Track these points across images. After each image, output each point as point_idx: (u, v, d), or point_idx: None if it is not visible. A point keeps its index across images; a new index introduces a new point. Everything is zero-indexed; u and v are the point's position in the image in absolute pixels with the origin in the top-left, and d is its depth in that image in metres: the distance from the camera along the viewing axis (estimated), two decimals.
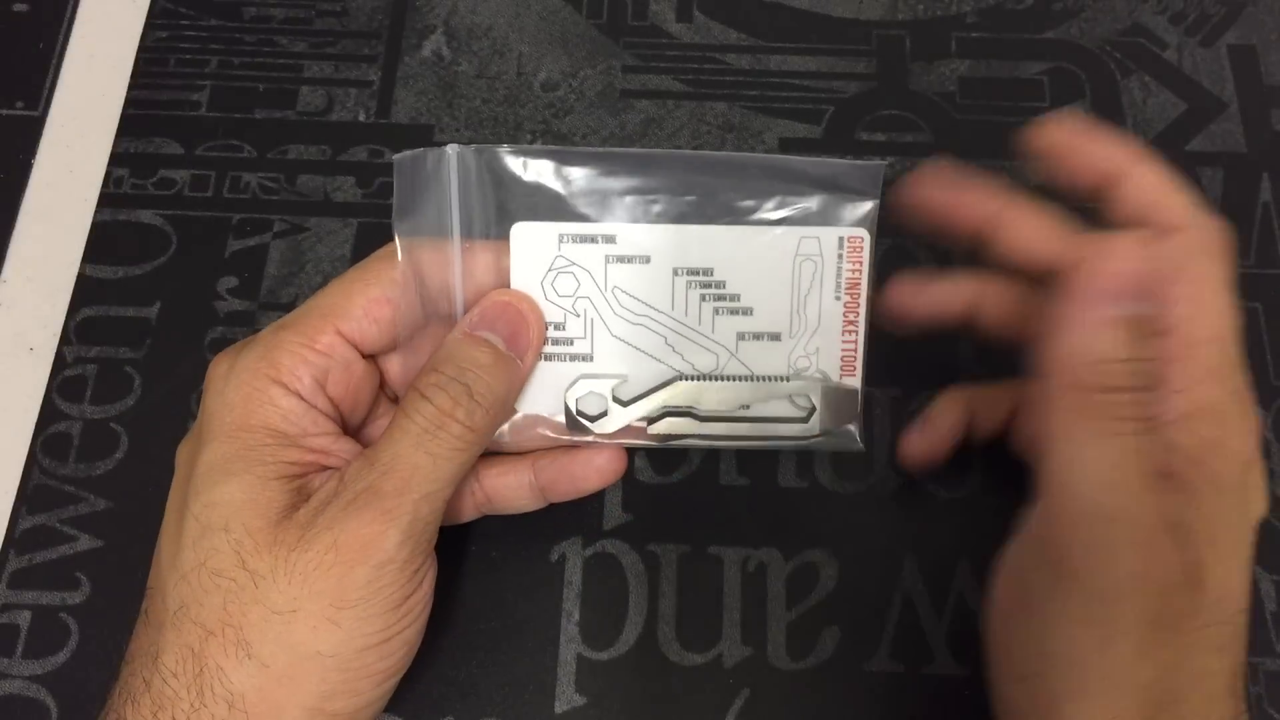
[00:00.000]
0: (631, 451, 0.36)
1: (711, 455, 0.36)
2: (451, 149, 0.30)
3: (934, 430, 0.34)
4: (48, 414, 0.37)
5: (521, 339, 0.30)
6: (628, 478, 0.36)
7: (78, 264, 0.40)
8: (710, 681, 0.33)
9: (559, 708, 0.33)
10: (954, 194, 0.30)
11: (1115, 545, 0.25)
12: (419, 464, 0.28)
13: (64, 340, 0.39)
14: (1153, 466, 0.25)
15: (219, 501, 0.28)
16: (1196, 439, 0.25)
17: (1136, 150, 0.28)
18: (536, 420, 0.32)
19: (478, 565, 0.35)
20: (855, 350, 0.32)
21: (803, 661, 0.34)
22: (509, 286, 0.31)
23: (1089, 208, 0.28)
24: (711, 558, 0.35)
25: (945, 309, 0.32)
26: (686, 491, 0.36)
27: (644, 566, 0.35)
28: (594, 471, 0.32)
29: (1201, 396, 0.26)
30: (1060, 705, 0.26)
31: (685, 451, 0.37)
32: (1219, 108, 0.42)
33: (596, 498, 0.36)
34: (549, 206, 0.31)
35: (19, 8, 0.45)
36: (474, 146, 0.30)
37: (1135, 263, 0.26)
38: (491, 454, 0.32)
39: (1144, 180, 0.28)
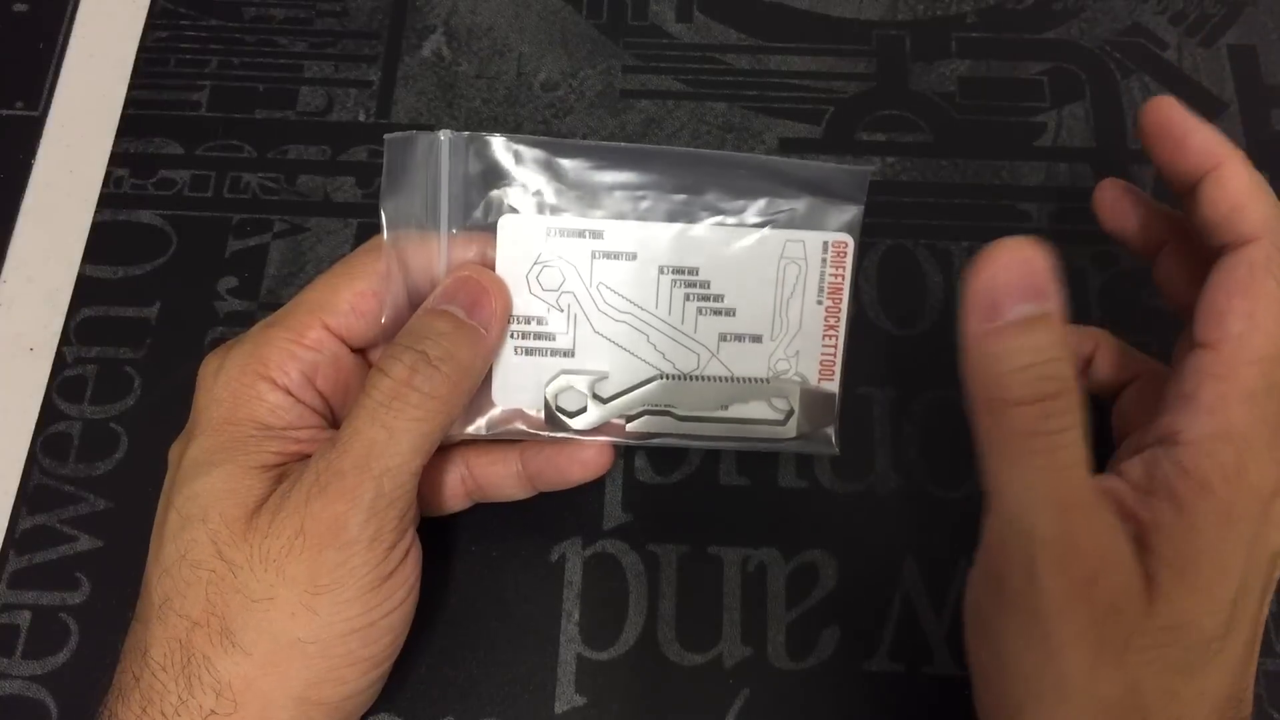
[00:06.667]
0: (631, 451, 0.36)
1: (711, 455, 0.36)
2: (443, 134, 0.30)
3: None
4: (48, 414, 0.37)
5: (483, 308, 0.29)
6: (628, 477, 0.36)
7: (78, 264, 0.40)
8: (710, 681, 0.33)
9: (559, 708, 0.33)
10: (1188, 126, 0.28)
11: (1038, 566, 0.24)
12: (375, 438, 0.27)
13: (64, 340, 0.38)
14: (1085, 483, 0.24)
15: (199, 493, 0.28)
16: (1213, 463, 0.24)
17: (1233, 149, 0.27)
18: (515, 414, 0.32)
19: (478, 565, 0.35)
20: (835, 355, 0.32)
21: (802, 662, 0.34)
22: None
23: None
24: (711, 558, 0.35)
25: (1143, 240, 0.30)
26: (686, 491, 0.36)
27: (644, 566, 0.35)
28: (579, 464, 0.32)
29: (1230, 420, 0.24)
30: (1022, 713, 0.25)
31: (685, 451, 0.37)
32: (1219, 108, 0.42)
33: (596, 498, 0.36)
34: (537, 199, 0.31)
35: (19, 8, 0.45)
36: (466, 134, 0.30)
37: (1006, 269, 0.24)
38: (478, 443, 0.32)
39: (1232, 180, 0.26)
